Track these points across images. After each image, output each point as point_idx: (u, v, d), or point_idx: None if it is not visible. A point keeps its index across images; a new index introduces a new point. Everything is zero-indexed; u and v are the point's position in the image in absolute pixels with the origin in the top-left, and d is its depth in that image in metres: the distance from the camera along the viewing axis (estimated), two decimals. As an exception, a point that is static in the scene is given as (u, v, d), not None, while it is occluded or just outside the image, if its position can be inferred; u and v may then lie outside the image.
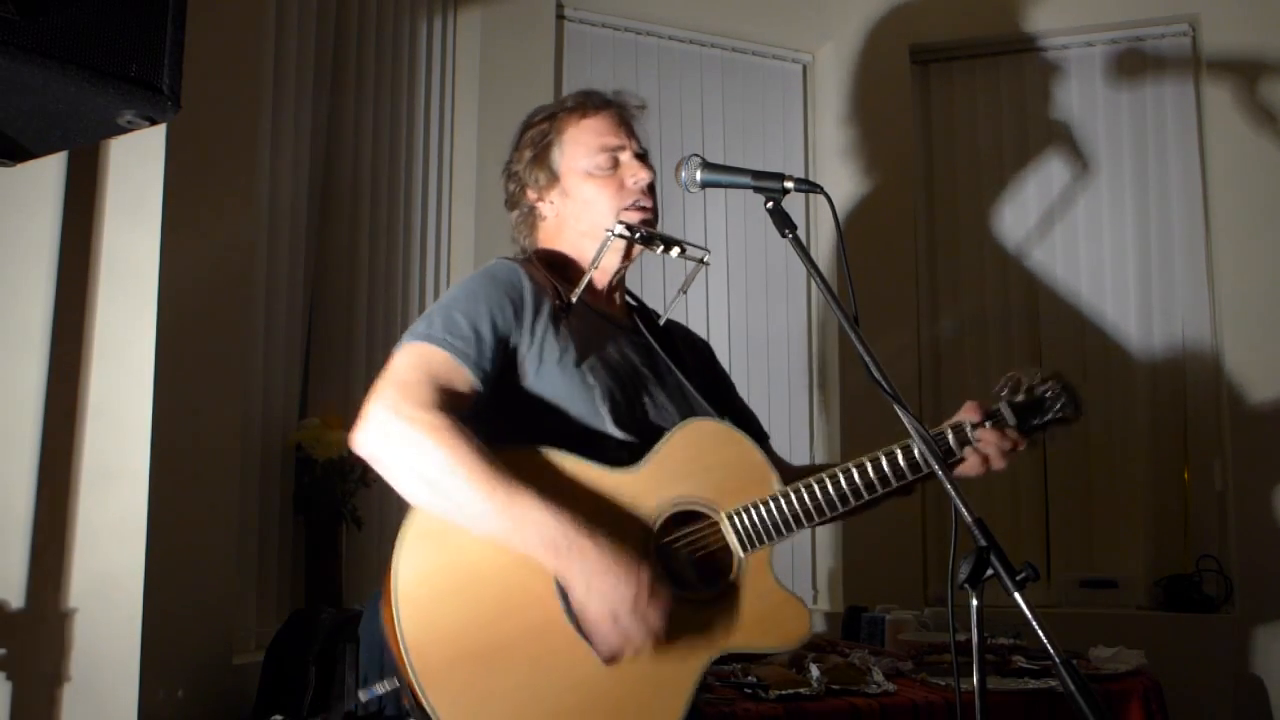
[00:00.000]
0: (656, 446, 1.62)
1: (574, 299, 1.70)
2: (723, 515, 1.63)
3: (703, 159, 1.66)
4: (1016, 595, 1.26)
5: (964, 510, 1.31)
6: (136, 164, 2.04)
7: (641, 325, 1.86)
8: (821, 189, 1.60)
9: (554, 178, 1.78)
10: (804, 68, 4.00)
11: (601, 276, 1.78)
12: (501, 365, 1.60)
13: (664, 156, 3.44)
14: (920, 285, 3.87)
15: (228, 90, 2.35)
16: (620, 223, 1.72)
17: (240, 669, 2.33)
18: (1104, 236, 3.79)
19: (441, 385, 1.52)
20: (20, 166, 1.59)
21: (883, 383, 1.45)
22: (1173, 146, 3.75)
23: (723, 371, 2.03)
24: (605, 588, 1.45)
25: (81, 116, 1.41)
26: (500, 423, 1.58)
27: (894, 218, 3.81)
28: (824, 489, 1.66)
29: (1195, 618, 3.41)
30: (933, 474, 1.54)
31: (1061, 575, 3.64)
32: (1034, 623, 1.24)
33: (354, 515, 2.72)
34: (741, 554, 1.62)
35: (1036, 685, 2.41)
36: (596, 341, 1.70)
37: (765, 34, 3.88)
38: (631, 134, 1.81)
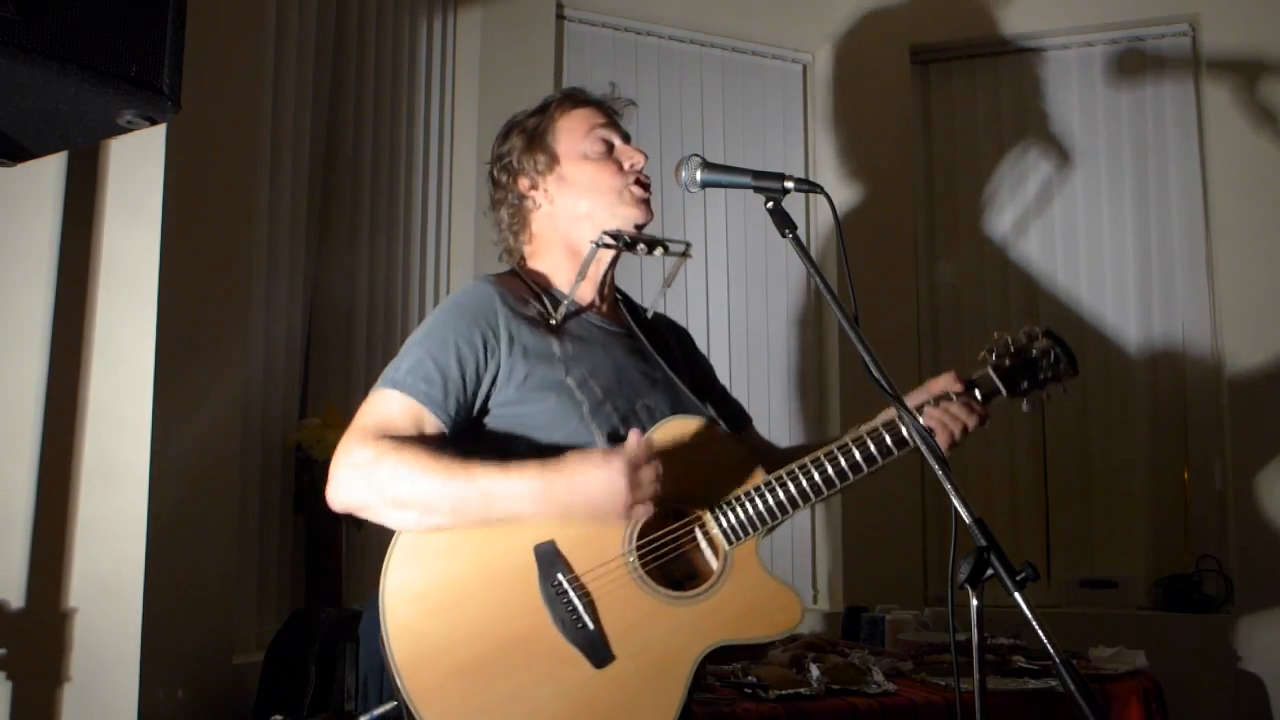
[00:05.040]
0: None
1: (558, 318, 1.70)
2: (706, 512, 1.63)
3: (703, 159, 1.66)
4: (1016, 595, 1.25)
5: (964, 510, 1.31)
6: (136, 164, 2.04)
7: (633, 324, 1.85)
8: (821, 189, 1.60)
9: (553, 160, 1.77)
10: (804, 68, 4.00)
11: (588, 286, 1.77)
12: (474, 397, 1.62)
13: (664, 156, 3.43)
14: (920, 286, 3.87)
15: (228, 90, 2.35)
16: (604, 233, 1.72)
17: (240, 669, 2.33)
18: (1104, 236, 3.79)
19: (398, 429, 1.55)
20: (20, 166, 1.59)
21: (883, 382, 1.45)
22: (1173, 146, 3.75)
23: (702, 357, 2.02)
24: (603, 503, 1.50)
25: (81, 116, 1.41)
26: (484, 447, 1.59)
27: (894, 218, 3.81)
28: (809, 476, 1.66)
29: (1195, 618, 3.41)
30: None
31: (1061, 575, 3.64)
32: (1034, 623, 1.24)
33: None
34: (728, 547, 1.62)
35: (1036, 685, 2.41)
36: (588, 350, 1.70)
37: (765, 34, 3.88)
38: (619, 127, 1.83)
